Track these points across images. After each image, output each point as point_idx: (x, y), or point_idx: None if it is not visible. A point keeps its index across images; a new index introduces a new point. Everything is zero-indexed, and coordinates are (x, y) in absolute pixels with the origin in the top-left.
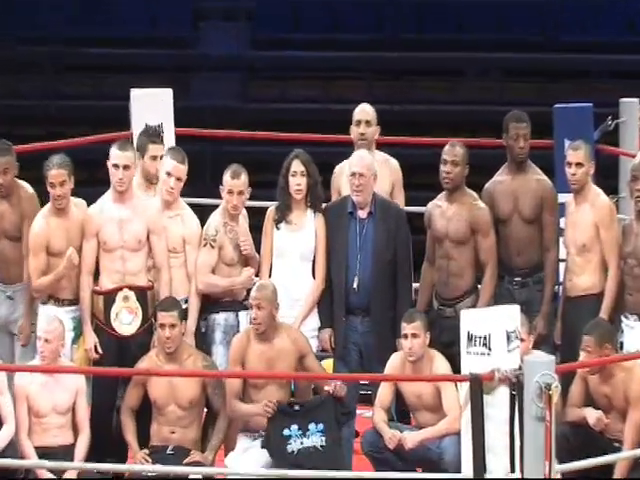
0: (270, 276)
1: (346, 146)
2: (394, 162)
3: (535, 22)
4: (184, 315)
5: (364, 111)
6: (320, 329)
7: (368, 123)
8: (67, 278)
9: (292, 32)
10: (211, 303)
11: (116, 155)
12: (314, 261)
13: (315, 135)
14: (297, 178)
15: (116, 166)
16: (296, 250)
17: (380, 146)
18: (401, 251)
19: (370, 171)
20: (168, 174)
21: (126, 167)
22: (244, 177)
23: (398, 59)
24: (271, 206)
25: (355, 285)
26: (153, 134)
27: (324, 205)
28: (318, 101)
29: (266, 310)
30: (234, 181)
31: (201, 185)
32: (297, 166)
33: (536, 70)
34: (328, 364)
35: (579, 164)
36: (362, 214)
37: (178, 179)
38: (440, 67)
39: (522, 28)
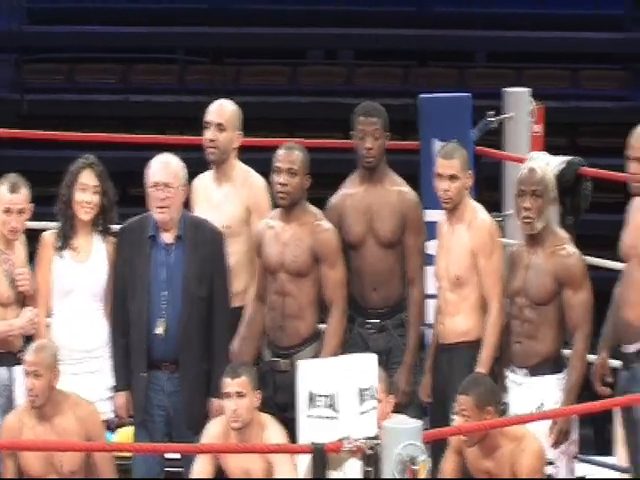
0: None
1: (155, 149)
2: (257, 180)
3: None
4: None
5: (215, 111)
6: (115, 391)
7: (220, 127)
8: None
9: (80, 0)
10: None
11: None
12: None
13: (113, 135)
14: (87, 194)
15: None
16: (85, 286)
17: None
18: (218, 285)
19: (178, 180)
20: None
21: None
22: (24, 191)
23: (221, 36)
24: (50, 229)
25: (160, 331)
26: None
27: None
28: (116, 91)
29: (45, 379)
30: (12, 196)
31: None
32: (88, 178)
33: (398, 50)
34: (127, 433)
35: (453, 177)
36: (167, 238)
37: None
38: (276, 46)
39: None
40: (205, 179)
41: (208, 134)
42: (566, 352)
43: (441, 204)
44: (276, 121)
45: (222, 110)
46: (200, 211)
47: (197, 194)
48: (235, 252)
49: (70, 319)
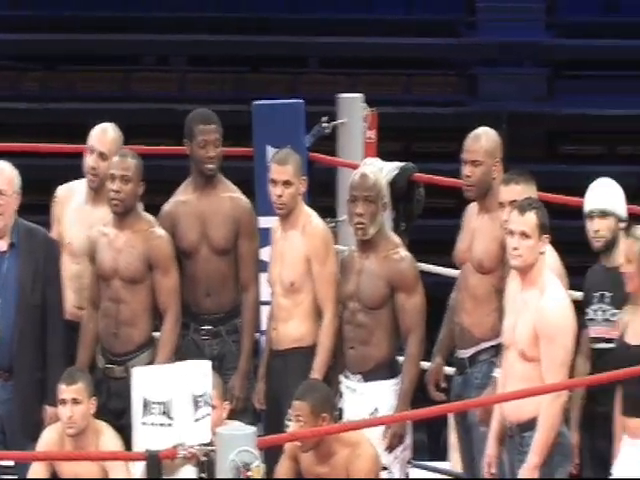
0: None
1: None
2: None
3: None
4: None
5: (97, 137)
6: None
7: (103, 156)
8: None
9: None
10: None
11: None
12: None
13: None
14: None
15: None
16: None
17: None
18: (51, 292)
19: (12, 187)
20: None
21: None
22: None
23: (54, 42)
24: None
25: None
26: None
27: None
28: None
29: None
30: None
31: None
32: None
33: (231, 56)
34: None
35: (287, 182)
36: (1, 246)
37: None
38: (109, 52)
39: (199, 4)
40: (76, 196)
41: (90, 161)
42: (400, 358)
43: (275, 210)
44: None
45: (104, 138)
46: (73, 228)
47: (65, 207)
48: None
49: None
